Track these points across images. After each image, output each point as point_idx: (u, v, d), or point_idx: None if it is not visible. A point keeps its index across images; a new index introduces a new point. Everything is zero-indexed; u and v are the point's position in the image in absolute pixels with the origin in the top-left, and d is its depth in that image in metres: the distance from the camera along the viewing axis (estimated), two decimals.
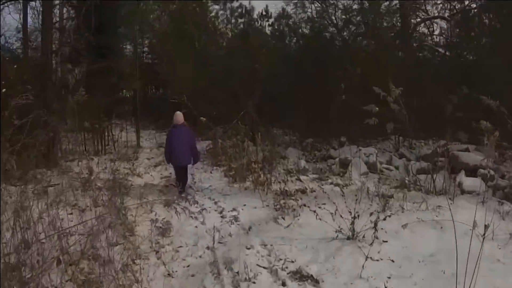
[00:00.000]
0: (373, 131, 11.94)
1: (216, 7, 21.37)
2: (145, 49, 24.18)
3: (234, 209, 7.04)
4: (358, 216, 5.48)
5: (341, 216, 5.62)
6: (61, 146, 11.94)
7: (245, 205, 7.22)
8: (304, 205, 6.87)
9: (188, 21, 18.74)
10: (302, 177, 9.19)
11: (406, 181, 8.38)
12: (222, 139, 14.17)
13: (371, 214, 5.63)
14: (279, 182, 8.30)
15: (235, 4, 21.59)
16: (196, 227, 6.28)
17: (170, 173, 9.95)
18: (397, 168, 10.22)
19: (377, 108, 7.91)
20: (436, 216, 6.32)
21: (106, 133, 14.65)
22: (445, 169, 8.45)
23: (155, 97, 23.55)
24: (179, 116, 8.12)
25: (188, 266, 5.00)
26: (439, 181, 7.73)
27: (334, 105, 10.60)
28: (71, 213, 6.90)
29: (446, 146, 9.20)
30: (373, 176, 9.48)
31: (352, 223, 5.48)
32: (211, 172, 10.18)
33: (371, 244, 5.17)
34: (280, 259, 5.08)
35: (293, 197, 7.41)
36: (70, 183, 8.57)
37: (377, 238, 5.31)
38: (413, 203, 6.90)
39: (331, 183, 8.74)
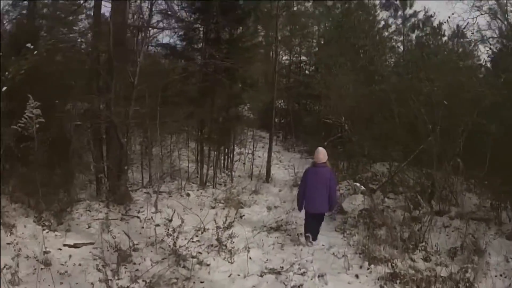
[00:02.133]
0: None
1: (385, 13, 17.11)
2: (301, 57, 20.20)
3: None
4: None
5: None
6: (149, 170, 8.40)
7: None
8: None
9: (352, 28, 14.64)
10: None
11: None
12: (383, 191, 9.32)
13: None
14: None
15: (409, 11, 17.11)
16: None
17: (283, 262, 5.53)
18: None
19: None
20: None
21: (225, 155, 10.99)
22: None
23: (305, 114, 19.06)
24: (321, 154, 6.41)
25: None
26: None
27: None
28: None
29: None
30: None
31: None
32: (357, 277, 5.35)
33: None
34: None
35: None
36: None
37: None
38: None
39: None
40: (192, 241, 5.81)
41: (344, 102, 11.58)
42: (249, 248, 5.77)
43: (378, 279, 5.12)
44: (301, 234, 6.53)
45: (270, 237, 6.44)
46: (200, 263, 5.20)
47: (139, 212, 6.98)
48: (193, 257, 5.31)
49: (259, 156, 12.47)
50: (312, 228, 6.35)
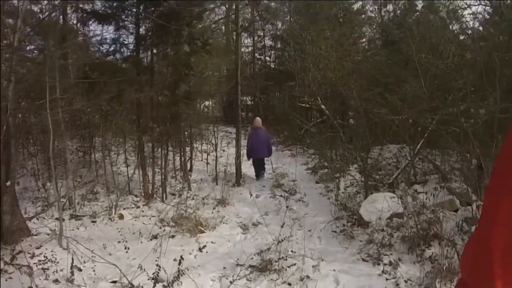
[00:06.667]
0: None
1: None
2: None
3: None
4: None
5: None
6: (66, 182, 5.57)
7: None
8: None
9: None
10: None
11: None
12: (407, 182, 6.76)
13: None
14: None
15: None
16: None
17: None
18: None
19: None
20: None
21: (180, 153, 8.34)
22: None
23: (277, 101, 16.25)
24: (258, 121, 9.15)
25: None
26: None
27: None
28: None
29: None
30: None
31: None
32: None
33: None
34: None
35: None
36: None
37: None
38: None
39: None
40: None
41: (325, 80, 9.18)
42: None
43: None
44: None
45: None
46: None
47: (33, 256, 4.21)
48: None
49: (223, 153, 9.97)
50: (259, 170, 8.89)
